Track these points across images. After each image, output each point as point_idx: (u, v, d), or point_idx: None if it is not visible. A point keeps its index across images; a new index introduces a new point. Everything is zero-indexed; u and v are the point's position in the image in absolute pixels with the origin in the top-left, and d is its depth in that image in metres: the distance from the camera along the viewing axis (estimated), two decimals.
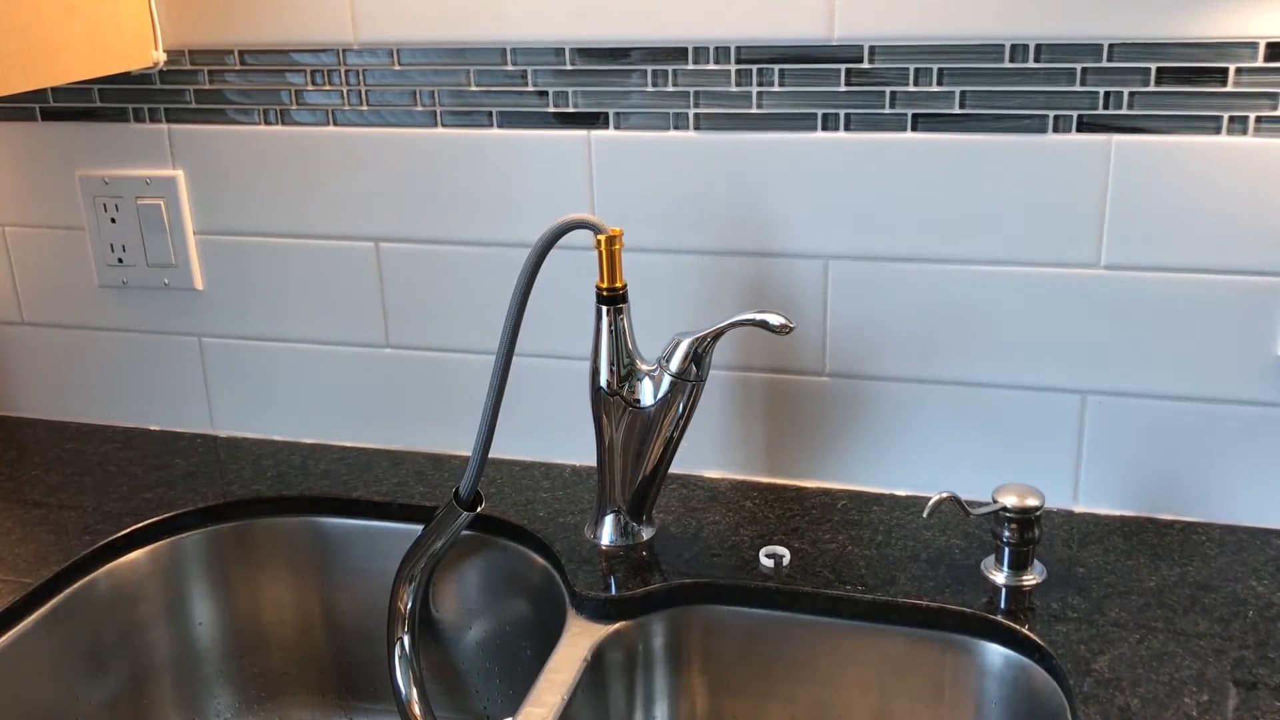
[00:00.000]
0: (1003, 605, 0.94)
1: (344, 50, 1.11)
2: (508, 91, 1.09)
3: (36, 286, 1.30)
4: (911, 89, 1.00)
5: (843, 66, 1.01)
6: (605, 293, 0.96)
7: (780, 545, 1.03)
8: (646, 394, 0.98)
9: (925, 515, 1.01)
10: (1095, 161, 0.98)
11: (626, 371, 0.98)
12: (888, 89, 1.00)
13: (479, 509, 1.01)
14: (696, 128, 1.05)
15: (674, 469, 1.14)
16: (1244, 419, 1.02)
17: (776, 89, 1.03)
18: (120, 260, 1.24)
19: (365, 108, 1.13)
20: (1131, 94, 0.96)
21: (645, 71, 1.05)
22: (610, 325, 0.97)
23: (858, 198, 1.04)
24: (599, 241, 0.95)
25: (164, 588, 1.12)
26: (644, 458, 1.00)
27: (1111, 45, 0.95)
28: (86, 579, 1.06)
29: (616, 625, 0.97)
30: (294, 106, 1.15)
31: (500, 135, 1.10)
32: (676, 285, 1.11)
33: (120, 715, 1.09)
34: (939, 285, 1.05)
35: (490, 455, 0.99)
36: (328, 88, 1.13)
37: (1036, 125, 0.98)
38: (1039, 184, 1.00)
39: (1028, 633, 0.91)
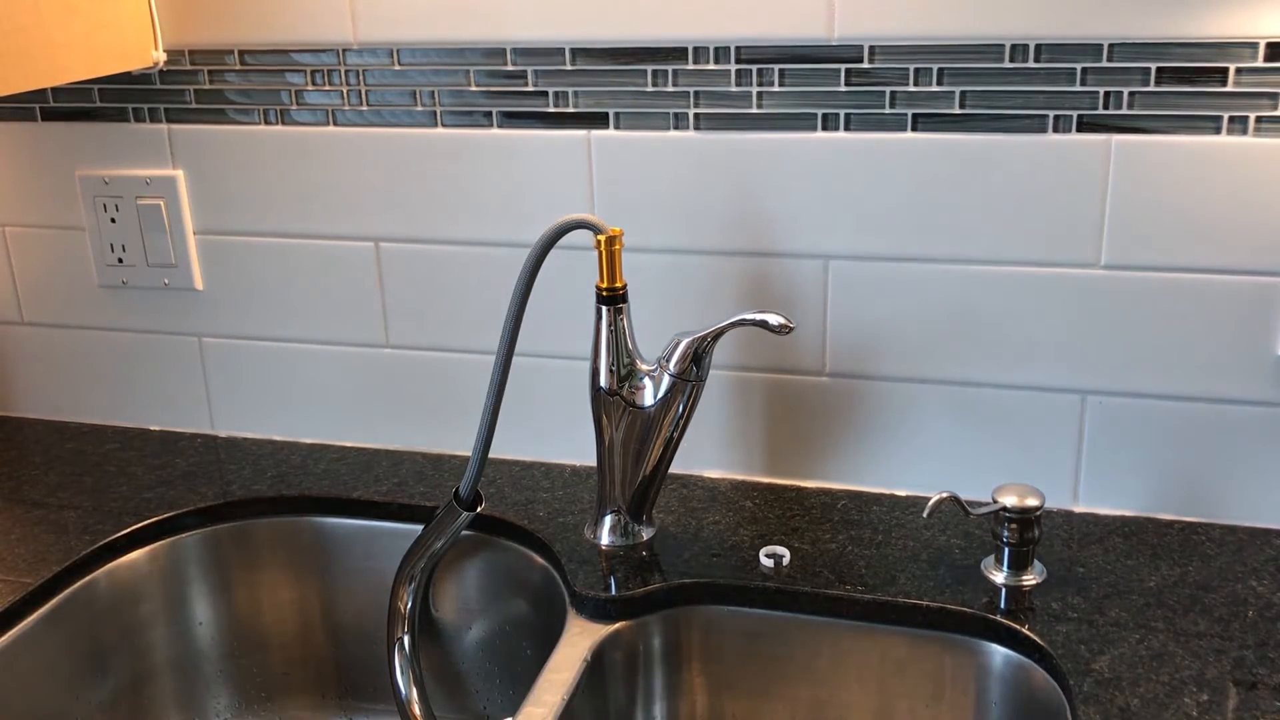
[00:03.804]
0: (1003, 605, 0.94)
1: (344, 50, 1.11)
2: (508, 91, 1.09)
3: (36, 286, 1.30)
4: (911, 89, 1.00)
5: (843, 66, 1.01)
6: (605, 293, 0.96)
7: (780, 545, 1.03)
8: (646, 394, 0.98)
9: (925, 515, 1.01)
10: (1095, 161, 0.98)
11: (626, 371, 0.98)
12: (888, 89, 1.00)
13: (479, 509, 1.01)
14: (696, 128, 1.05)
15: (674, 469, 1.14)
16: (1244, 419, 1.02)
17: (776, 89, 1.03)
18: (120, 260, 1.24)
19: (365, 108, 1.13)
20: (1131, 94, 0.96)
21: (645, 71, 1.05)
22: (610, 325, 0.97)
23: (858, 198, 1.04)
24: (599, 241, 0.95)
25: (164, 588, 1.12)
26: (644, 458, 1.00)
27: (1111, 45, 0.95)
28: (86, 579, 1.06)
29: (616, 625, 0.97)
30: (294, 106, 1.15)
31: (500, 135, 1.10)
32: (676, 285, 1.11)
33: (120, 715, 1.09)
34: (939, 285, 1.05)
35: (490, 455, 0.99)
36: (328, 88, 1.13)
37: (1036, 125, 0.98)
38: (1039, 184, 1.00)
39: (1028, 633, 0.91)
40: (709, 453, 1.16)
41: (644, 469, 1.01)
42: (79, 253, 1.26)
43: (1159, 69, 0.95)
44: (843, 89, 1.01)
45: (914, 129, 1.01)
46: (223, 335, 1.26)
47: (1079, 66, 0.96)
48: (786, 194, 1.05)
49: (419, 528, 1.05)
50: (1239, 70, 0.93)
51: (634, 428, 0.99)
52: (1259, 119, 0.94)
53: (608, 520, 1.05)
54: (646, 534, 1.05)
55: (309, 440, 1.27)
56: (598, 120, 1.07)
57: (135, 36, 1.11)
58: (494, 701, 1.14)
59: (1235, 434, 1.02)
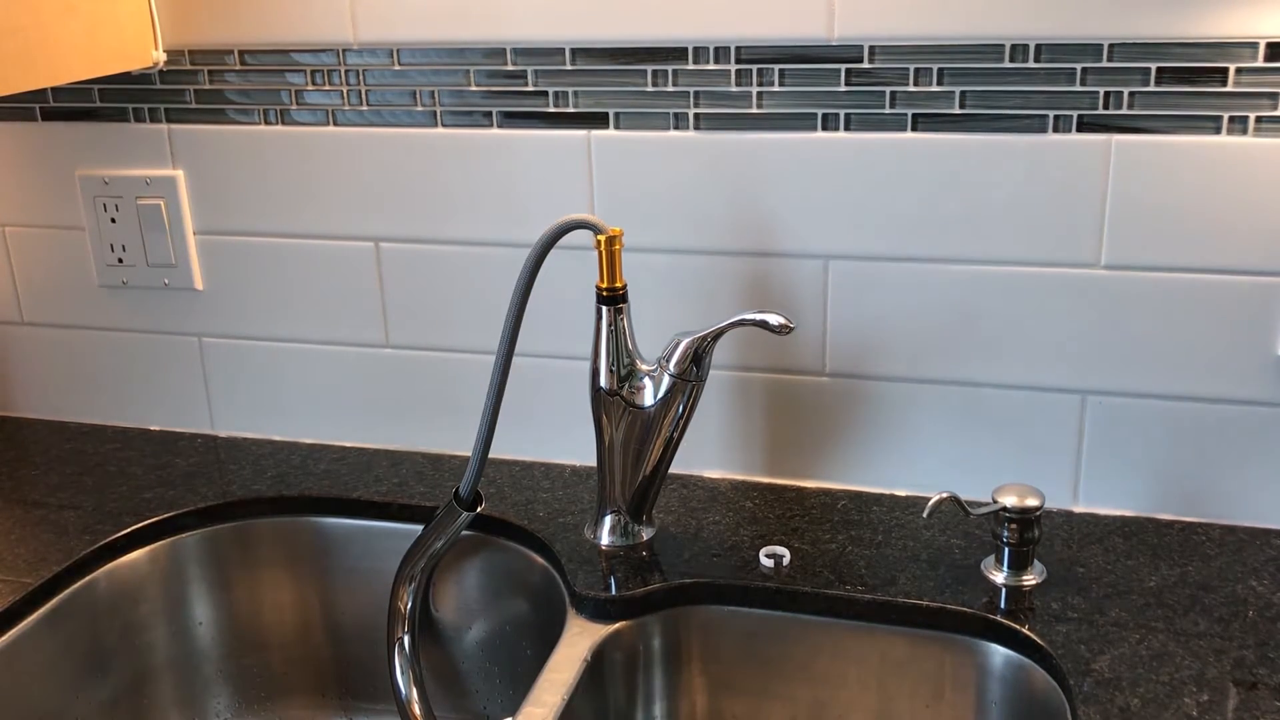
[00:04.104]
0: (1003, 605, 0.94)
1: (344, 50, 1.11)
2: (508, 91, 1.09)
3: (36, 286, 1.30)
4: (911, 89, 1.00)
5: (843, 66, 1.01)
6: (605, 293, 0.96)
7: (780, 545, 1.03)
8: (646, 394, 0.98)
9: (925, 515, 1.01)
10: (1095, 161, 0.98)
11: (626, 371, 0.98)
12: (888, 89, 1.00)
13: (479, 509, 1.01)
14: (696, 128, 1.05)
15: (674, 469, 1.14)
16: (1244, 419, 1.02)
17: (776, 89, 1.03)
18: (120, 260, 1.24)
19: (365, 108, 1.13)
20: (1131, 94, 0.96)
21: (645, 71, 1.05)
22: (610, 325, 0.97)
23: (858, 198, 1.04)
24: (599, 241, 0.95)
25: (164, 588, 1.12)
26: (644, 458, 1.00)
27: (1111, 45, 0.95)
28: (86, 579, 1.06)
29: (616, 625, 0.97)
30: (294, 106, 1.15)
31: (500, 135, 1.10)
32: (676, 285, 1.11)
33: (120, 715, 1.09)
34: (939, 285, 1.05)
35: (490, 455, 0.99)
36: (328, 88, 1.13)
37: (1036, 125, 0.98)
38: (1039, 184, 1.00)
39: (1028, 633, 0.91)
40: (709, 453, 1.16)
41: (644, 469, 1.01)
42: (79, 253, 1.26)
43: (1159, 69, 0.95)
44: (843, 89, 1.01)
45: (914, 129, 1.01)
46: (222, 335, 1.26)
47: (1079, 66, 0.96)
48: (786, 194, 1.05)
49: (419, 528, 1.05)
50: (1239, 70, 0.93)
51: (634, 428, 0.99)
52: (1259, 119, 0.94)
53: (608, 520, 1.05)
54: (646, 534, 1.05)
55: (309, 440, 1.27)
56: (598, 120, 1.07)
57: (135, 36, 1.11)
58: (494, 701, 1.14)
59: (1235, 434, 1.02)
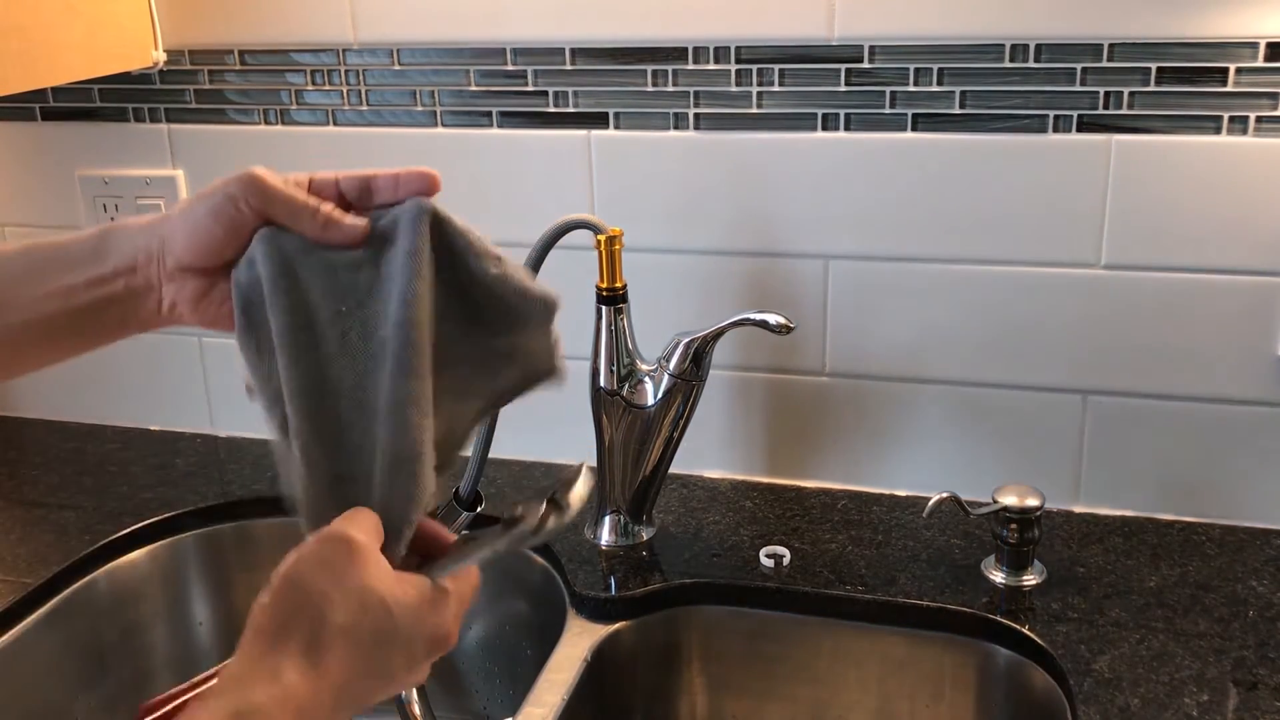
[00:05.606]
0: (1003, 605, 0.94)
1: (344, 50, 1.11)
2: (508, 91, 1.09)
3: None
4: (911, 89, 1.00)
5: (843, 66, 1.01)
6: (605, 293, 0.96)
7: (780, 545, 1.03)
8: (646, 394, 0.98)
9: (925, 515, 1.01)
10: (1095, 161, 0.98)
11: (626, 371, 0.98)
12: (888, 89, 1.00)
13: (479, 509, 1.01)
14: (696, 128, 1.05)
15: (674, 469, 1.13)
16: (1244, 419, 1.02)
17: (776, 89, 1.03)
18: None
19: (365, 108, 1.13)
20: (1131, 94, 0.96)
21: (645, 71, 1.05)
22: (610, 325, 0.97)
23: (858, 198, 1.04)
24: (599, 241, 0.95)
25: (164, 588, 1.12)
26: (644, 458, 1.00)
27: (1111, 45, 0.95)
28: (86, 579, 1.06)
29: (616, 625, 0.97)
30: (294, 106, 1.15)
31: (500, 135, 1.10)
32: (676, 285, 1.10)
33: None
34: (939, 285, 1.05)
35: (490, 455, 0.99)
36: (328, 88, 1.13)
37: (1036, 125, 0.98)
38: (1039, 184, 1.00)
39: (1028, 633, 0.91)
40: (709, 453, 1.16)
41: (644, 469, 1.01)
42: None
43: (1159, 69, 0.95)
44: (843, 89, 1.01)
45: (914, 129, 1.01)
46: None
47: (1079, 66, 0.96)
48: (786, 194, 1.05)
49: None
50: (1239, 70, 0.93)
51: (634, 428, 0.99)
52: (1259, 119, 0.94)
53: (608, 520, 1.05)
54: (646, 534, 1.05)
55: None
56: (598, 120, 1.07)
57: (135, 36, 1.11)
58: (494, 701, 1.14)
59: (1235, 434, 1.02)
